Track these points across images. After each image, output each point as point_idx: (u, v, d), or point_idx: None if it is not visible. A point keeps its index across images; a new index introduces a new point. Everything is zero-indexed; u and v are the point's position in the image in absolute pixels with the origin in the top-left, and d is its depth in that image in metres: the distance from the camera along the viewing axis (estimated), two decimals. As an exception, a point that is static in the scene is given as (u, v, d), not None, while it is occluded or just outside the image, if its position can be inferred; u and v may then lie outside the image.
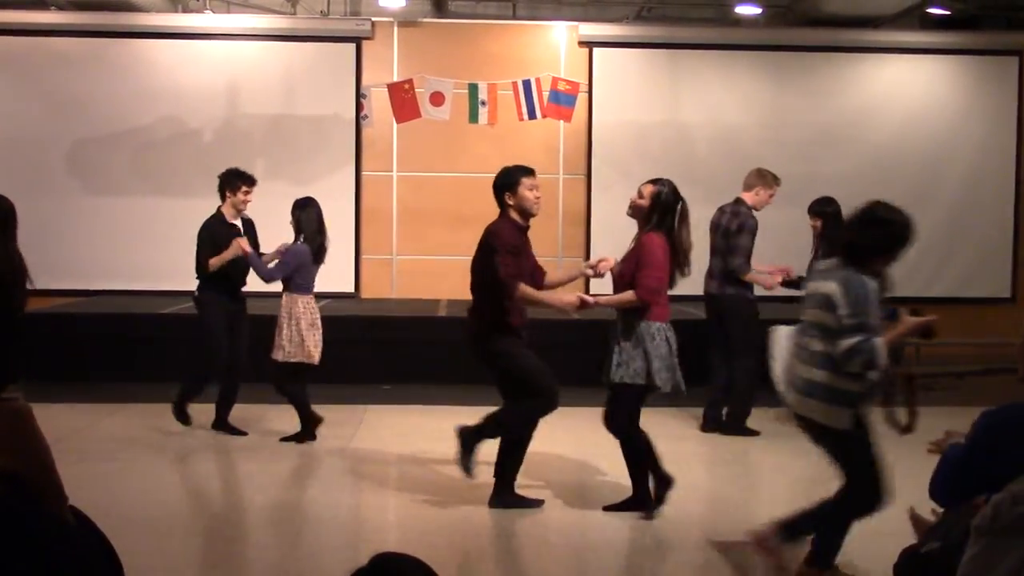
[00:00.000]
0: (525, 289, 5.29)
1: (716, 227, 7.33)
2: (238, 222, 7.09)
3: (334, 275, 10.99)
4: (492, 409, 5.46)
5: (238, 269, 6.97)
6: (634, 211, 5.31)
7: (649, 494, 5.29)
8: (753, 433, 7.25)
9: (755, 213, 7.35)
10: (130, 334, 9.10)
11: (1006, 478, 2.47)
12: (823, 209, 7.32)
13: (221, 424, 7.08)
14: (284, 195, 11.16)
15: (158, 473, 6.26)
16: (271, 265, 6.87)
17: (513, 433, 5.42)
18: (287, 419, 7.00)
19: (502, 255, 5.25)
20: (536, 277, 5.54)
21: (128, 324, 9.21)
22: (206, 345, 6.95)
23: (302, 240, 6.88)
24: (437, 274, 11.13)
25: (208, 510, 5.80)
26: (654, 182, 5.31)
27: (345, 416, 7.65)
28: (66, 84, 11.23)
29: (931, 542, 3.29)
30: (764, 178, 7.40)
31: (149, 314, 9.32)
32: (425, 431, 7.29)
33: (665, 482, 5.34)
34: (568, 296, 5.31)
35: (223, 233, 6.96)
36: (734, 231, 7.17)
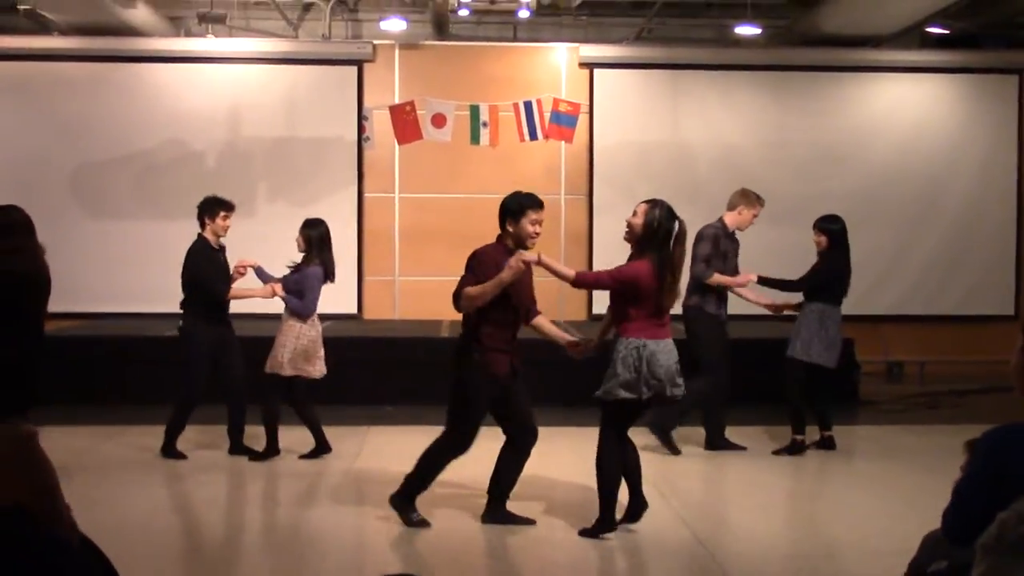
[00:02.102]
0: (468, 290, 5.20)
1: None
2: (219, 248, 7.10)
3: (336, 296, 10.96)
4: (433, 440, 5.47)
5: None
6: (629, 230, 5.31)
7: (608, 515, 5.22)
8: (739, 448, 7.26)
9: (738, 234, 7.35)
10: (132, 356, 9.10)
11: (1012, 497, 2.45)
12: (828, 226, 7.26)
13: (237, 448, 7.07)
14: (287, 216, 11.26)
15: (161, 495, 6.24)
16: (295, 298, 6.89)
17: (438, 467, 5.45)
18: (288, 439, 6.99)
19: (473, 274, 5.24)
20: (529, 314, 5.49)
21: (130, 346, 9.22)
22: (184, 379, 6.95)
23: (312, 261, 6.89)
24: (439, 294, 11.00)
25: (211, 532, 5.77)
26: (649, 202, 5.31)
27: (348, 437, 7.62)
28: (69, 108, 11.28)
29: (938, 561, 3.26)
30: (747, 198, 7.39)
31: (151, 336, 9.30)
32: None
33: (638, 506, 5.35)
34: (511, 261, 5.12)
35: (214, 258, 7.00)
36: (695, 242, 7.16)
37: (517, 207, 5.33)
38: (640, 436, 7.31)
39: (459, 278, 5.33)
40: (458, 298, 5.25)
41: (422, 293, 11.37)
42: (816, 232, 7.30)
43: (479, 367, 5.27)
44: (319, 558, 5.06)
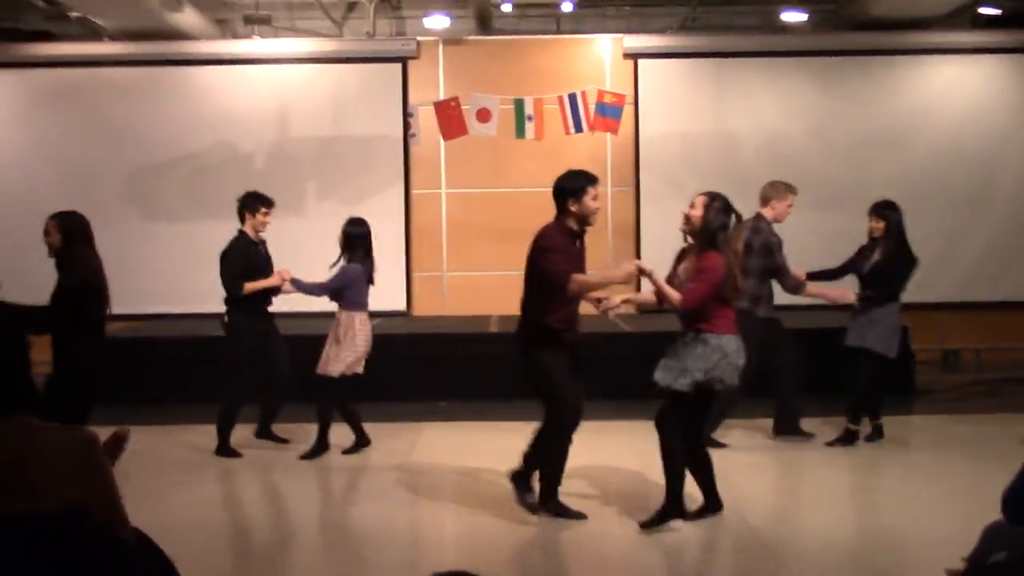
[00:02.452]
0: (578, 277, 5.28)
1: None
2: (260, 243, 7.23)
3: (385, 293, 11.05)
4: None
5: (266, 292, 7.12)
6: (688, 224, 5.28)
7: (675, 504, 5.25)
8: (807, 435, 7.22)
9: (776, 227, 7.23)
10: (187, 356, 9.24)
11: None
12: (888, 213, 7.11)
13: (265, 433, 7.19)
14: (335, 215, 11.30)
15: (215, 493, 6.33)
16: (323, 280, 6.98)
17: (555, 454, 5.42)
18: (337, 435, 7.06)
19: (551, 252, 5.27)
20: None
21: (185, 347, 9.34)
22: (230, 375, 7.07)
23: (350, 259, 6.97)
24: (487, 289, 11.15)
25: (265, 529, 5.84)
26: (707, 195, 5.28)
27: (401, 433, 7.69)
28: (120, 113, 11.46)
29: (997, 552, 3.21)
30: (776, 189, 7.26)
31: (204, 336, 9.43)
32: (480, 447, 7.30)
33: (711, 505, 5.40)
34: (625, 264, 5.33)
35: (253, 252, 7.13)
36: (758, 249, 6.99)
37: (577, 186, 5.36)
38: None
39: (525, 266, 5.41)
40: (562, 279, 5.22)
41: (470, 288, 11.40)
42: (874, 218, 7.14)
43: (546, 345, 5.32)
44: (375, 552, 5.11)
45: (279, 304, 7.31)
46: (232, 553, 5.16)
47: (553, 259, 5.27)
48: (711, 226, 5.17)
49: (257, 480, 6.73)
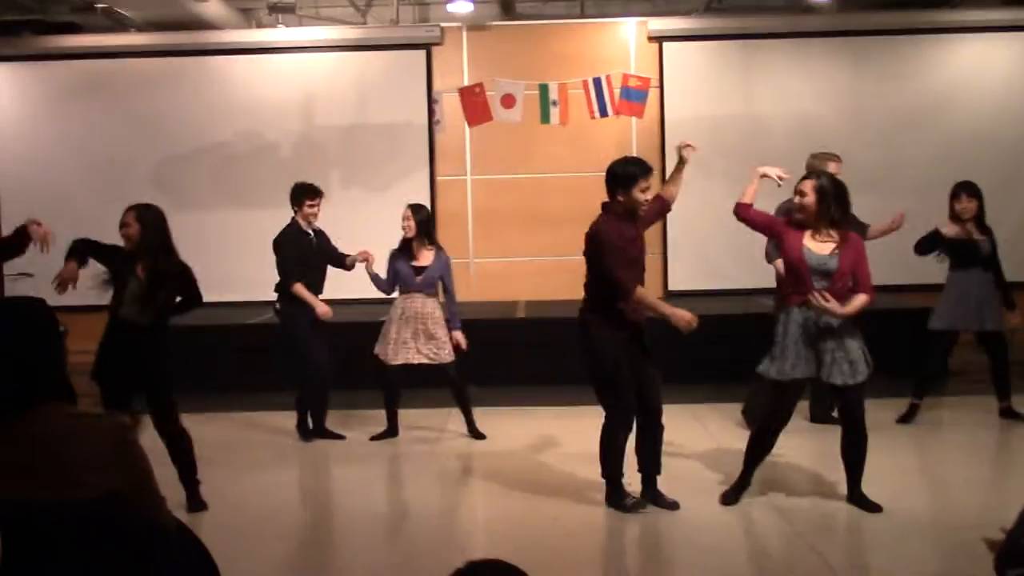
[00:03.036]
0: (641, 292, 5.23)
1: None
2: (311, 232, 7.23)
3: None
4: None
5: (315, 281, 7.15)
6: (803, 211, 5.23)
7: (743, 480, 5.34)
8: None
9: None
10: (216, 345, 9.30)
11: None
12: (980, 192, 7.35)
13: (320, 431, 7.24)
14: (360, 202, 11.41)
15: (250, 480, 6.37)
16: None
17: (614, 450, 5.38)
18: (368, 423, 7.09)
19: (608, 254, 5.18)
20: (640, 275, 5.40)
21: (213, 335, 9.39)
22: (301, 360, 7.15)
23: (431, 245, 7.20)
24: (515, 275, 11.15)
25: (300, 515, 5.87)
26: (812, 177, 5.29)
27: (429, 420, 7.73)
28: (147, 103, 11.53)
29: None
30: (821, 160, 7.11)
31: (234, 324, 9.50)
32: (509, 432, 7.31)
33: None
34: (685, 313, 5.12)
35: (304, 241, 7.15)
36: None
37: (627, 176, 5.27)
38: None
39: (587, 264, 5.36)
40: (623, 290, 5.18)
41: (497, 274, 11.40)
42: (966, 197, 7.27)
43: (602, 337, 5.26)
44: (409, 539, 5.12)
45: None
46: (265, 540, 5.18)
47: (613, 263, 5.17)
48: (830, 204, 5.16)
49: (290, 467, 6.77)
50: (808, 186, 5.22)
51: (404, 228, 7.15)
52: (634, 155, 5.33)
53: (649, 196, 5.30)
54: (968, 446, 6.93)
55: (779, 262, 6.81)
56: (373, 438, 7.18)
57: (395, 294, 7.19)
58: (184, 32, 11.35)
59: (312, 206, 7.21)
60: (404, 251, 7.18)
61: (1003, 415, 7.39)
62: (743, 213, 5.42)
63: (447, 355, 7.04)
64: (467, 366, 7.28)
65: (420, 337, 7.04)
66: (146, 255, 5.49)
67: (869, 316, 5.36)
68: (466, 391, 7.24)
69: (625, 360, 5.26)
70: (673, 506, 5.35)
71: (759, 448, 5.43)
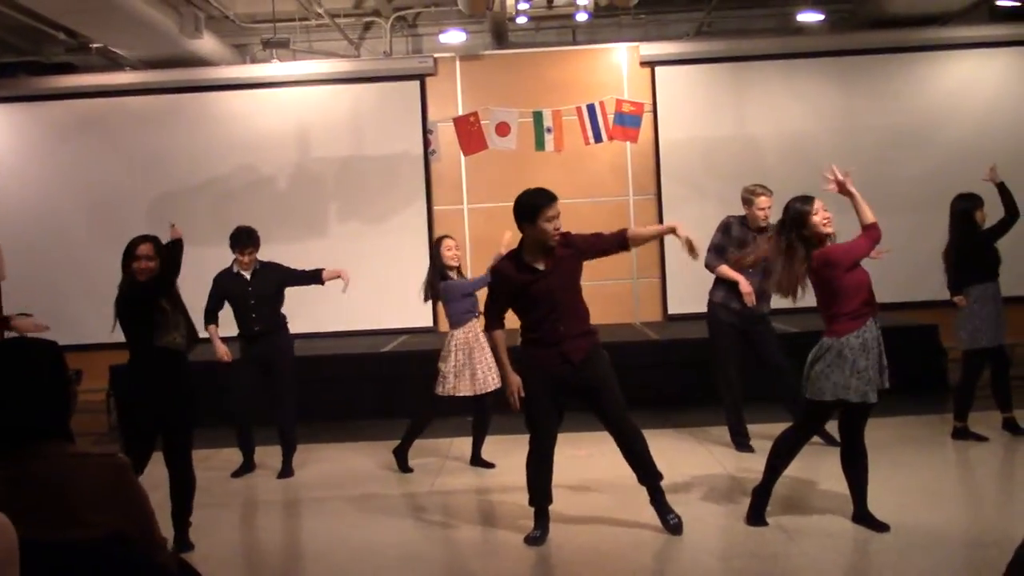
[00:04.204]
0: (496, 337, 5.40)
1: None
2: (245, 274, 7.33)
3: (411, 310, 11.08)
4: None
5: (249, 318, 7.25)
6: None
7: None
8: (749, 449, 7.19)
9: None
10: (206, 382, 9.25)
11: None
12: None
13: (247, 467, 7.35)
14: (358, 235, 11.45)
15: (252, 518, 6.35)
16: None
17: (529, 477, 5.48)
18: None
19: (489, 295, 5.45)
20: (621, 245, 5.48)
21: (210, 371, 9.35)
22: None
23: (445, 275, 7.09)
24: (513, 303, 11.15)
25: (297, 553, 5.85)
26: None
27: (437, 449, 7.71)
28: (143, 141, 11.59)
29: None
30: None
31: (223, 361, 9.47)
32: (511, 461, 7.28)
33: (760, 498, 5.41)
34: (515, 381, 5.30)
35: (230, 285, 7.36)
36: None
37: (531, 207, 5.22)
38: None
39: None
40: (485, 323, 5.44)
41: (496, 302, 11.39)
42: (983, 210, 7.33)
43: (524, 369, 5.36)
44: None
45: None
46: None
47: (487, 301, 5.44)
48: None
49: (284, 505, 6.74)
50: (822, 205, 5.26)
51: (453, 257, 7.11)
52: (540, 186, 5.32)
53: (558, 225, 5.22)
54: (971, 461, 6.92)
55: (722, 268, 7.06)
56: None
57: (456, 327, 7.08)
58: (179, 69, 11.43)
59: (241, 257, 7.25)
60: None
61: (1006, 428, 7.38)
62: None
63: (494, 382, 6.98)
64: (466, 397, 7.24)
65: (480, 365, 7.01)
66: (166, 282, 5.49)
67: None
68: (489, 418, 7.20)
69: (543, 392, 5.31)
70: (676, 529, 5.32)
71: (783, 463, 5.43)
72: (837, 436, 5.54)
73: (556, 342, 5.28)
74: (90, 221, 11.45)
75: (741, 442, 7.24)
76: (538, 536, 5.35)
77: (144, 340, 5.44)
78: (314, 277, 7.35)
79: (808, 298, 5.26)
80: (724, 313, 7.20)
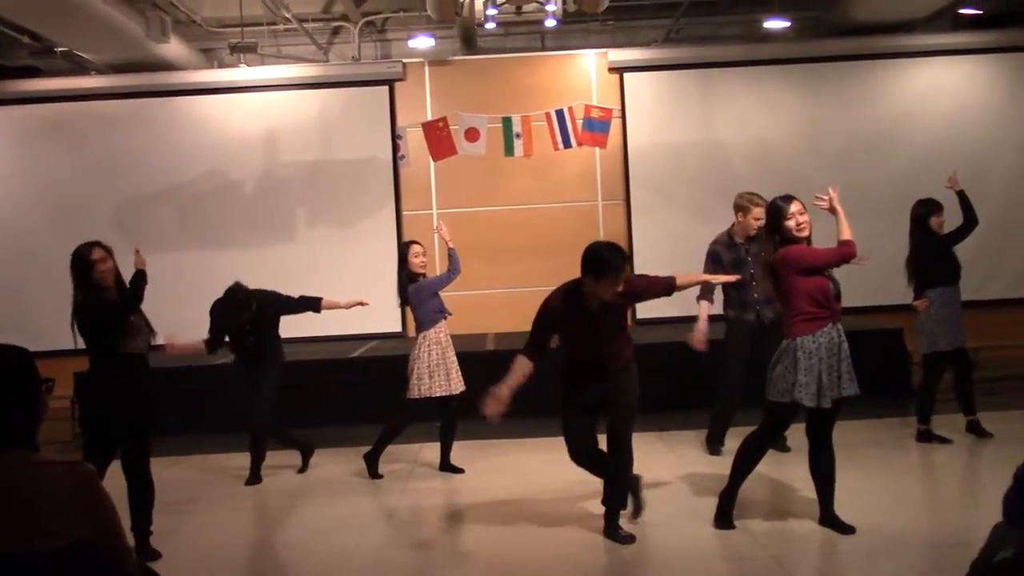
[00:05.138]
0: (522, 361, 5.32)
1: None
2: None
3: (380, 315, 11.04)
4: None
5: (244, 343, 7.20)
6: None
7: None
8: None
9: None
10: (179, 387, 9.19)
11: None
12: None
13: (254, 479, 7.26)
14: (326, 240, 11.40)
15: (220, 525, 6.30)
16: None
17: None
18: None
19: (535, 321, 5.38)
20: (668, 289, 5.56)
21: (179, 377, 9.29)
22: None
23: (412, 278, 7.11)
24: (483, 308, 11.15)
25: (266, 561, 5.81)
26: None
27: (403, 455, 7.69)
28: (110, 145, 11.49)
29: (1004, 550, 3.20)
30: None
31: (200, 366, 9.40)
32: (480, 466, 7.29)
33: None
34: (499, 399, 5.25)
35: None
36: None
37: (599, 266, 5.16)
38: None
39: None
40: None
41: (466, 307, 11.34)
42: (941, 216, 7.44)
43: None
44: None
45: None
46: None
47: (533, 325, 5.39)
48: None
49: (256, 509, 6.69)
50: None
51: (420, 264, 7.13)
52: (615, 244, 5.35)
53: (619, 288, 5.20)
54: (935, 464, 7.00)
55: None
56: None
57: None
58: (145, 73, 11.33)
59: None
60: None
61: (970, 430, 7.47)
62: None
63: (461, 384, 7.00)
64: (436, 401, 7.23)
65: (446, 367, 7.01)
66: (129, 310, 5.42)
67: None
68: (456, 423, 7.20)
69: (577, 399, 5.38)
70: (627, 540, 5.34)
71: (749, 466, 5.46)
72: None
73: (595, 360, 5.37)
74: (55, 226, 11.32)
75: (715, 448, 7.29)
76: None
77: (109, 348, 5.38)
78: (313, 305, 7.31)
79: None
80: (740, 327, 7.21)
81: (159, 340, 6.69)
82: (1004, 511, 2.99)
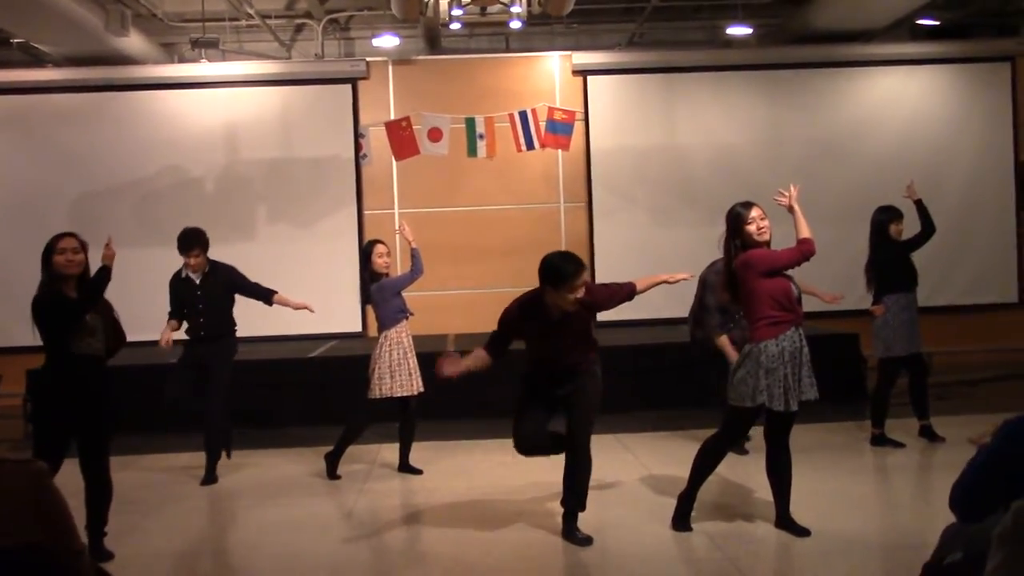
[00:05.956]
0: (482, 354, 5.38)
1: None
2: (193, 276, 7.29)
3: (340, 315, 11.03)
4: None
5: (199, 321, 7.18)
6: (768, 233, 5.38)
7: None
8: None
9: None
10: (132, 384, 9.07)
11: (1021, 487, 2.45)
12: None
13: (209, 479, 7.15)
14: (286, 238, 11.33)
15: (175, 525, 6.24)
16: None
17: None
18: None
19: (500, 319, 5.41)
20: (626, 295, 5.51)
21: (129, 375, 9.16)
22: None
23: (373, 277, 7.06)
24: (443, 308, 11.13)
25: (221, 562, 5.76)
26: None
27: (363, 455, 7.65)
28: (67, 138, 11.33)
29: (953, 553, 3.25)
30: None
31: (154, 364, 9.30)
32: (439, 467, 7.28)
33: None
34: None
35: (181, 286, 7.32)
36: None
37: (555, 275, 5.15)
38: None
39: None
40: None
41: (426, 307, 11.28)
42: (899, 224, 7.52)
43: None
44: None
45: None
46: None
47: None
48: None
49: (208, 510, 6.63)
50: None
51: (384, 264, 7.08)
52: (568, 252, 5.37)
53: (579, 293, 5.17)
54: (889, 467, 7.09)
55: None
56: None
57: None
58: (104, 67, 11.19)
59: (188, 259, 7.17)
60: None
61: (923, 434, 7.58)
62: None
63: (418, 384, 7.00)
64: (395, 400, 7.21)
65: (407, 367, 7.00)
66: (88, 306, 5.28)
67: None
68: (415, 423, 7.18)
69: (537, 394, 5.41)
70: (585, 542, 5.35)
71: (707, 469, 5.50)
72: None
73: (558, 367, 5.40)
74: (9, 221, 11.15)
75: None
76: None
77: (61, 346, 5.27)
78: (265, 296, 7.23)
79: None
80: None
81: (162, 340, 6.71)
82: (954, 508, 3.03)
